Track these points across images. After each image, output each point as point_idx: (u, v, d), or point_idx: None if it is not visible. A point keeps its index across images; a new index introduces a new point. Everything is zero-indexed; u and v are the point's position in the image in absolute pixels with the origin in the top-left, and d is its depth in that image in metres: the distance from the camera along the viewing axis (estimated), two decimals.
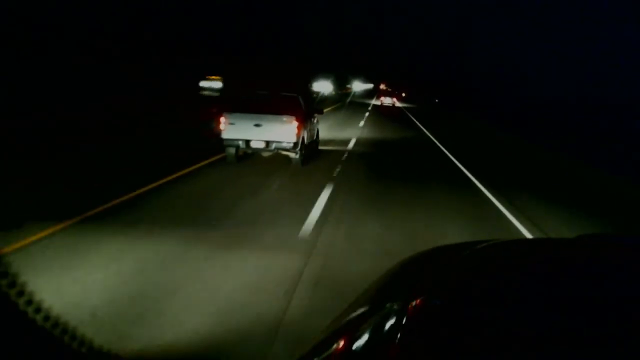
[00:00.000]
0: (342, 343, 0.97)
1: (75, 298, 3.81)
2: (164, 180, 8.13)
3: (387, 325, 0.93)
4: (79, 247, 4.93)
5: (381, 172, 11.32)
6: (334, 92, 30.24)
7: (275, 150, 10.20)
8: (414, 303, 1.00)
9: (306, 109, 11.23)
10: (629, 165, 18.09)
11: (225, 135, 10.04)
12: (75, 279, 4.19)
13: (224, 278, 4.45)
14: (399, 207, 7.73)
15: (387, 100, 51.65)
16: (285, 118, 9.97)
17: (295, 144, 10.01)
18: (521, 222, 7.53)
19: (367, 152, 14.25)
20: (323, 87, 36.55)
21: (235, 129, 9.99)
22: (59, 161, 9.33)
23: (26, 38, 24.22)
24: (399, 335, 0.86)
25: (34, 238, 4.98)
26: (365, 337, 0.96)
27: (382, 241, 5.91)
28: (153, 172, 8.45)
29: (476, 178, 11.21)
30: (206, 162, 10.22)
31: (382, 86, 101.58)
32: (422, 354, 0.83)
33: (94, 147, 11.18)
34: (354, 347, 0.94)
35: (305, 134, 10.57)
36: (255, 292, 4.19)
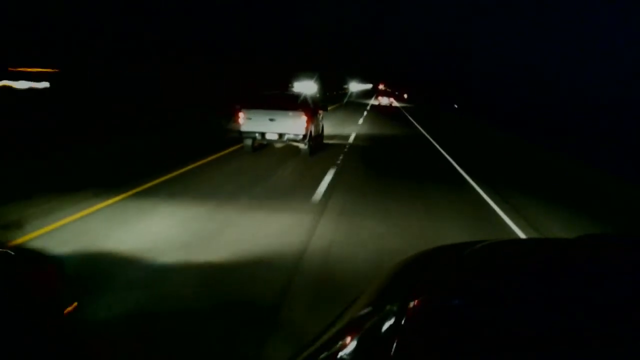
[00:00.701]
0: (341, 343, 0.97)
1: (165, 234, 5.61)
2: (194, 165, 10.00)
3: (387, 326, 0.93)
4: (159, 205, 6.89)
5: (377, 160, 12.71)
6: (318, 95, 27.15)
7: (287, 142, 11.61)
8: (413, 303, 1.00)
9: (313, 106, 12.58)
10: (629, 166, 18.08)
11: (243, 128, 11.51)
12: (155, 223, 6.03)
13: (257, 224, 6.29)
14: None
15: (384, 100, 52.52)
16: (296, 113, 11.34)
17: (304, 136, 11.44)
18: (513, 220, 7.52)
19: (366, 146, 15.75)
20: (305, 87, 32.65)
21: (252, 123, 11.40)
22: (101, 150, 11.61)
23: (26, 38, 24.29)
24: (398, 336, 0.86)
25: (125, 195, 7.23)
26: (365, 337, 0.95)
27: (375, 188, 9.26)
28: (181, 160, 10.27)
29: (467, 173, 11.29)
30: (226, 151, 12.03)
31: (380, 86, 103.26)
32: (421, 354, 0.82)
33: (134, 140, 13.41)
34: (353, 347, 0.93)
35: (312, 128, 11.98)
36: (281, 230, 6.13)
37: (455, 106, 69.78)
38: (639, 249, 1.35)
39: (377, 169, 11.52)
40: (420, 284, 1.13)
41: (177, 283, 4.32)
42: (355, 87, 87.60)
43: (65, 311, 2.56)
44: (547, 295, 1.03)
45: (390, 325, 0.91)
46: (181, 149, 12.26)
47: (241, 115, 11.53)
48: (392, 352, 0.81)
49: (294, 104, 11.80)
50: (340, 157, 12.36)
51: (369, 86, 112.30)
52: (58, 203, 6.56)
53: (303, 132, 11.37)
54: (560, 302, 0.98)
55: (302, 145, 11.74)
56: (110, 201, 6.89)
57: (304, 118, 11.37)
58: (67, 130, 13.45)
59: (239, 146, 12.39)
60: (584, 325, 0.88)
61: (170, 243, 5.31)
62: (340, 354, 0.93)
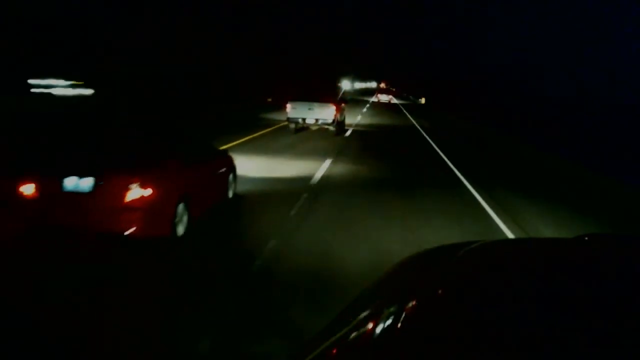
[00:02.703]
0: (341, 343, 0.99)
1: (247, 168, 9.32)
2: (255, 135, 15.28)
3: (386, 326, 0.94)
4: (242, 154, 10.64)
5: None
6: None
7: (320, 125, 16.26)
8: (412, 303, 1.01)
9: (339, 99, 17.41)
10: None
11: (289, 115, 16.25)
12: (248, 163, 9.98)
13: (295, 164, 10.58)
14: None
15: (383, 97, 57.16)
16: (327, 104, 16.03)
17: (333, 121, 16.16)
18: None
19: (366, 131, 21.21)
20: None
21: (296, 111, 16.13)
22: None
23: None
24: (397, 336, 0.88)
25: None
26: (364, 337, 0.96)
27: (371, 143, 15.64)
28: (244, 133, 15.15)
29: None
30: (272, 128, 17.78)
31: (382, 85, 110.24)
32: (420, 354, 0.83)
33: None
34: (353, 347, 0.96)
35: (338, 116, 16.68)
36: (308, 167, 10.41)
37: None
38: (638, 248, 1.34)
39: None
40: (419, 284, 1.15)
41: (268, 181, 8.70)
42: (350, 86, 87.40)
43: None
44: (546, 294, 1.03)
45: (389, 326, 0.92)
46: (240, 126, 17.14)
47: (289, 105, 16.17)
48: (391, 352, 0.84)
49: (326, 96, 16.35)
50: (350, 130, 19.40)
51: (372, 84, 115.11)
52: None
53: (332, 118, 15.90)
54: (559, 301, 0.98)
55: (331, 128, 16.38)
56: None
57: (333, 107, 15.93)
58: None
59: (280, 125, 17.72)
60: (583, 324, 0.88)
61: (256, 169, 9.57)
62: (340, 354, 0.96)
